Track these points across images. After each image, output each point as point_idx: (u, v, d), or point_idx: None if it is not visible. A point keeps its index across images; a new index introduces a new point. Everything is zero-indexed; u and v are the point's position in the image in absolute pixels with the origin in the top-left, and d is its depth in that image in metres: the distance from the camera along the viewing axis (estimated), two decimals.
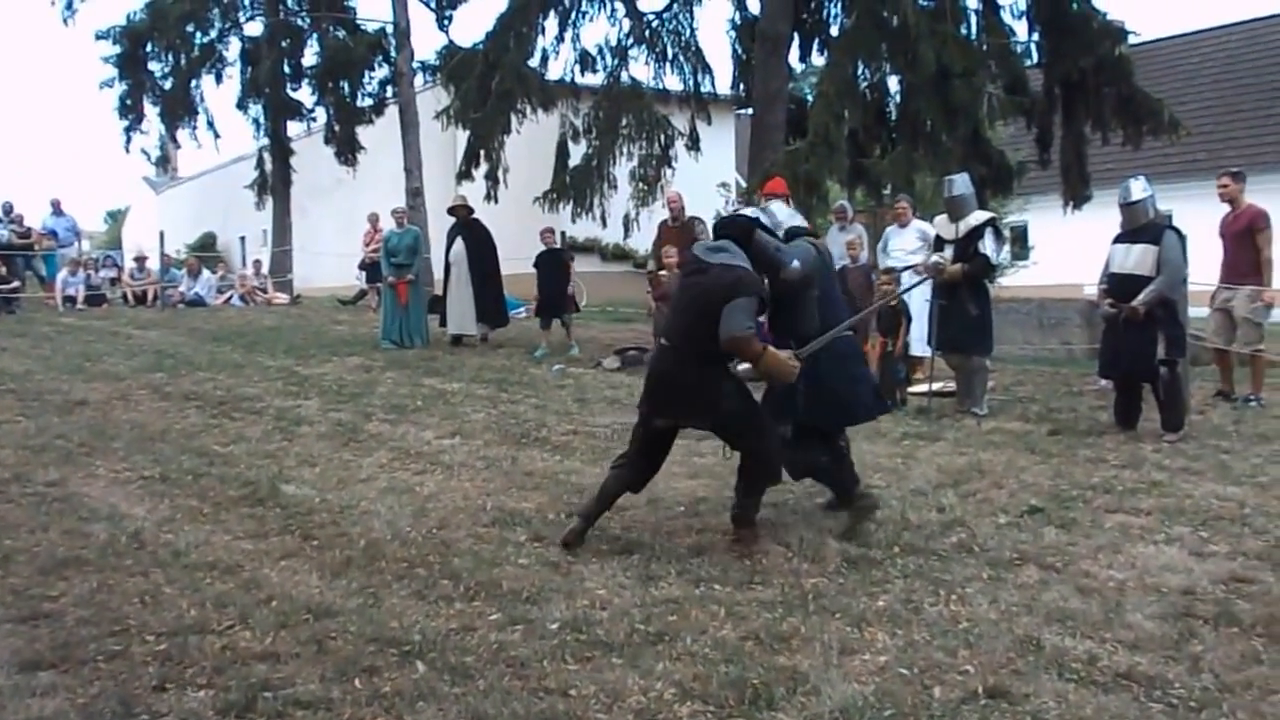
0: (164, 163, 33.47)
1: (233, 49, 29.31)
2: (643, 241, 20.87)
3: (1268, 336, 11.40)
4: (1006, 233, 13.39)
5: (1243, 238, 11.23)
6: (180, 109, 28.94)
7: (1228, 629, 5.01)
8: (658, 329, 13.50)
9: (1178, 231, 9.77)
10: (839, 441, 6.94)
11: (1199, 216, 11.70)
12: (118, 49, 27.98)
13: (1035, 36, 16.95)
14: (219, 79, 29.35)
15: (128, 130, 29.05)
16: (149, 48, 28.26)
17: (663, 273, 13.47)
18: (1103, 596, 5.46)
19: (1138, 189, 9.74)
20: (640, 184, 20.80)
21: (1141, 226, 9.68)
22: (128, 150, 29.68)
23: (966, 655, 4.70)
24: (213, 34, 28.74)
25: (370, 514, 7.10)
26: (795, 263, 6.44)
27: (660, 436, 6.57)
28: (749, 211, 6.78)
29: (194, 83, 29.03)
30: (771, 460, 6.42)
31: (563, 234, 16.43)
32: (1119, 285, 9.66)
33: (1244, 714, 4.18)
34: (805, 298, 6.65)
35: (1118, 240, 9.90)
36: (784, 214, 7.15)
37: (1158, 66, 31.65)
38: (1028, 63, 17.37)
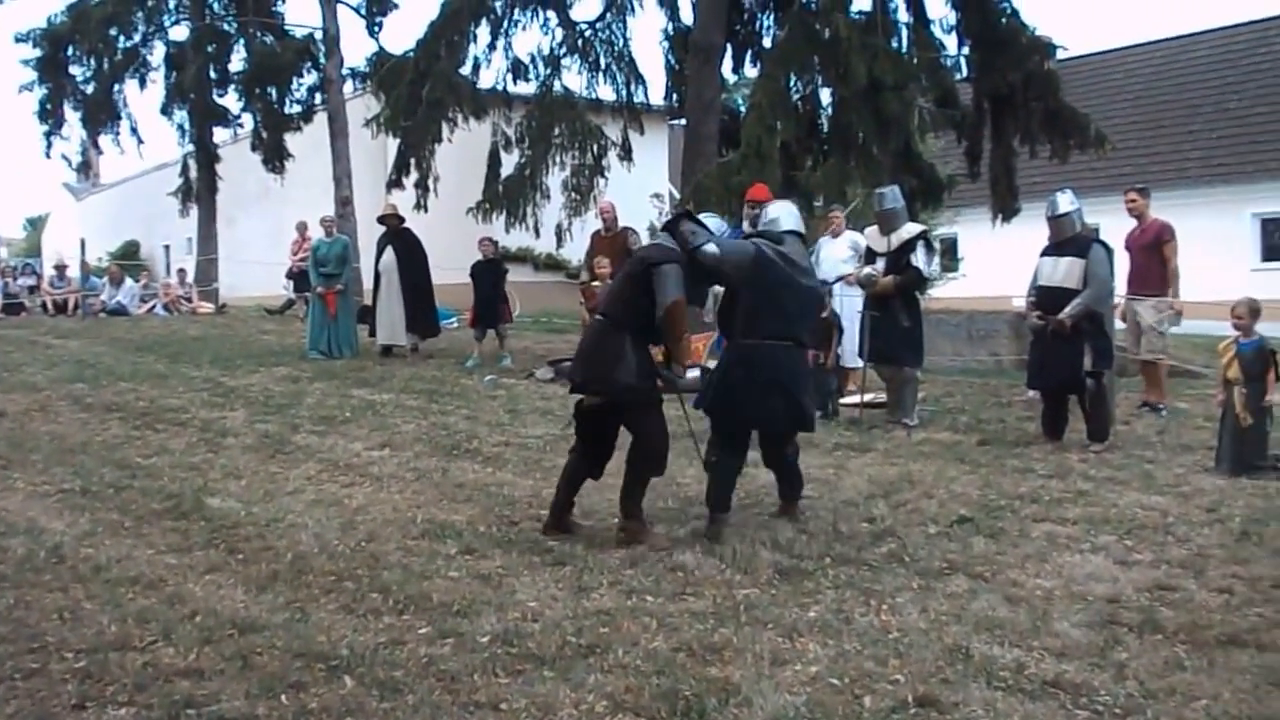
0: (85, 169, 33.01)
1: (157, 53, 28.92)
2: (575, 252, 20.86)
3: (1182, 346, 11.63)
4: (937, 245, 13.51)
5: (1150, 250, 11.53)
6: (102, 114, 28.52)
7: (1152, 636, 5.09)
8: None
9: (1104, 245, 9.94)
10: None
11: (1125, 230, 11.91)
12: (37, 52, 27.54)
13: (965, 51, 17.11)
14: (143, 84, 28.96)
15: (48, 135, 28.60)
16: (70, 51, 27.85)
17: (595, 283, 13.44)
18: (1030, 605, 5.51)
19: (1065, 202, 9.87)
20: (573, 194, 20.78)
21: (1068, 239, 9.81)
22: (48, 156, 29.27)
23: (897, 664, 4.72)
24: (136, 38, 28.34)
25: (297, 527, 7.01)
26: (709, 245, 6.68)
27: (594, 420, 6.84)
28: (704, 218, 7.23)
29: (116, 87, 28.62)
30: (655, 444, 6.66)
31: (495, 243, 16.34)
32: (1046, 298, 9.78)
33: None
34: (739, 296, 6.90)
35: (1045, 253, 10.02)
36: (780, 214, 7.33)
37: (1084, 82, 32.16)
38: (957, 76, 17.55)
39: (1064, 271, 9.69)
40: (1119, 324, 11.21)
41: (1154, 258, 11.52)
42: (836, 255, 12.54)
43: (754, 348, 6.78)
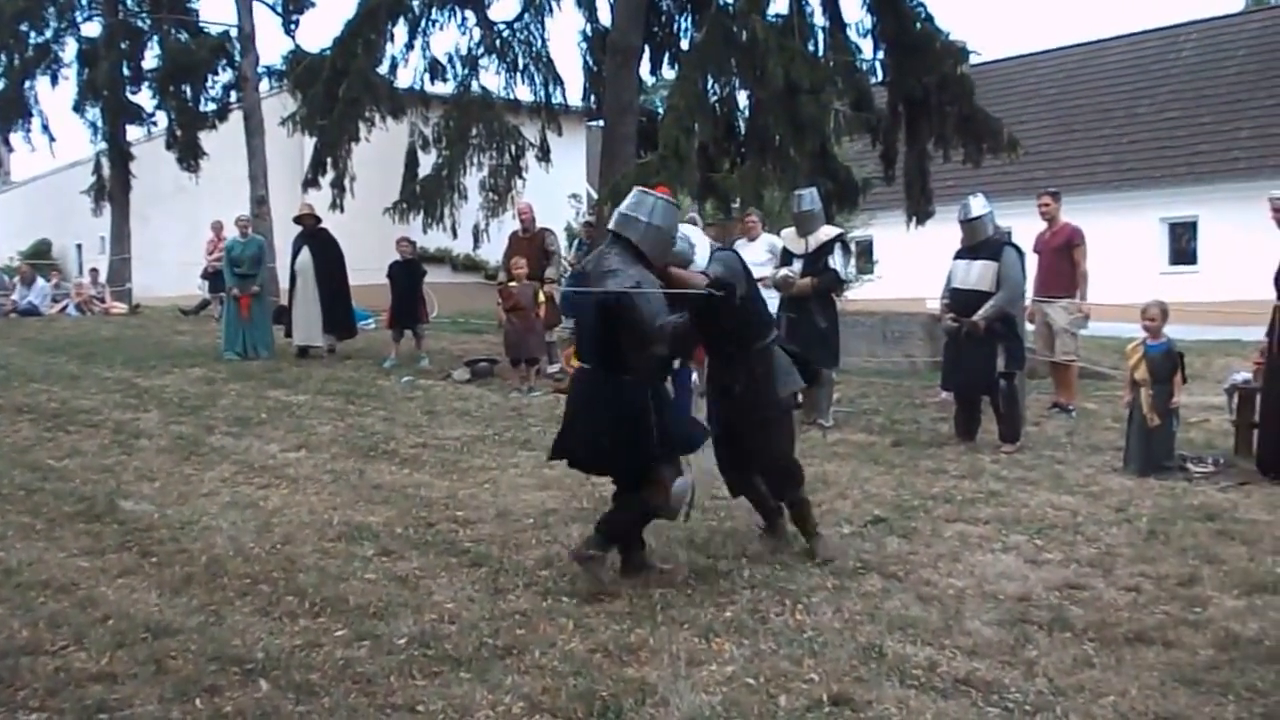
0: None
1: (69, 49, 28.20)
2: (493, 252, 20.78)
3: (1091, 348, 11.85)
4: (853, 247, 13.65)
5: (1061, 253, 11.78)
6: (13, 111, 27.87)
7: (1061, 634, 5.19)
8: (509, 341, 13.47)
9: (1016, 248, 10.10)
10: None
11: (1036, 233, 12.14)
12: None
13: (880, 55, 17.29)
14: (54, 80, 28.29)
15: None
16: None
17: (513, 284, 13.42)
18: (942, 604, 5.60)
19: (977, 206, 10.02)
20: (491, 194, 20.72)
21: (982, 243, 9.96)
22: None
23: (811, 664, 4.77)
24: (48, 34, 27.70)
25: (212, 529, 6.94)
26: None
27: None
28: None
29: (28, 83, 27.97)
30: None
31: (412, 244, 16.25)
32: (960, 300, 9.93)
33: (1076, 716, 4.33)
34: None
35: (959, 256, 10.17)
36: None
37: (997, 87, 32.60)
38: (873, 80, 17.72)
39: (977, 274, 9.84)
40: (1028, 326, 11.41)
41: (1064, 260, 11.75)
42: (753, 258, 12.61)
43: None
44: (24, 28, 27.14)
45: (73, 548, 6.57)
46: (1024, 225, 13.73)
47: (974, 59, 17.23)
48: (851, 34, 17.26)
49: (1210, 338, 16.88)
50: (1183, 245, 30.12)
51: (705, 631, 5.17)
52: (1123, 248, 25.38)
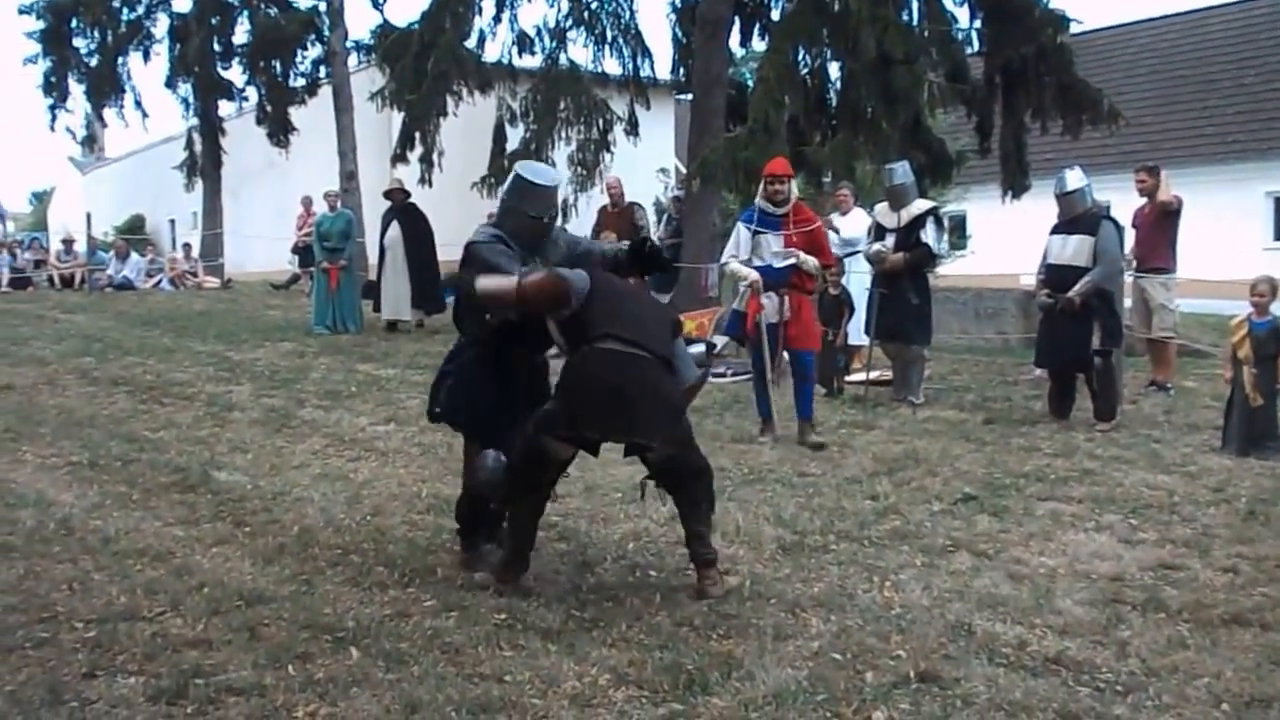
0: (90, 142, 32.87)
1: (161, 26, 28.72)
2: (581, 227, 20.80)
3: (1190, 324, 11.59)
4: (946, 222, 13.42)
5: (1158, 225, 11.46)
6: (107, 87, 28.42)
7: (1155, 615, 5.09)
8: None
9: (1114, 222, 9.89)
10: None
11: (1136, 208, 11.86)
12: (41, 24, 27.46)
13: (976, 24, 16.96)
14: (147, 57, 28.85)
15: (52, 108, 28.49)
16: (74, 23, 27.74)
17: None
18: (1033, 583, 5.52)
19: (1073, 179, 9.82)
20: (579, 169, 20.77)
21: (1078, 217, 9.77)
22: (52, 129, 29.13)
23: (899, 640, 4.73)
24: (140, 10, 28.18)
25: (303, 500, 7.03)
26: None
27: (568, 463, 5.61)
28: None
29: (121, 60, 28.52)
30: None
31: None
32: (1056, 276, 9.74)
33: (1169, 697, 4.24)
34: None
35: (1055, 231, 9.98)
36: None
37: (1097, 56, 31.89)
38: (968, 50, 17.39)
39: (1073, 249, 9.65)
40: (1129, 302, 11.18)
41: (1161, 230, 11.46)
42: (847, 232, 12.55)
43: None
44: (116, 4, 27.65)
45: (168, 517, 6.69)
46: (1124, 199, 13.42)
47: (1074, 28, 16.86)
48: (947, 2, 16.97)
49: None
50: None
51: (792, 606, 5.14)
52: (1225, 223, 24.78)
